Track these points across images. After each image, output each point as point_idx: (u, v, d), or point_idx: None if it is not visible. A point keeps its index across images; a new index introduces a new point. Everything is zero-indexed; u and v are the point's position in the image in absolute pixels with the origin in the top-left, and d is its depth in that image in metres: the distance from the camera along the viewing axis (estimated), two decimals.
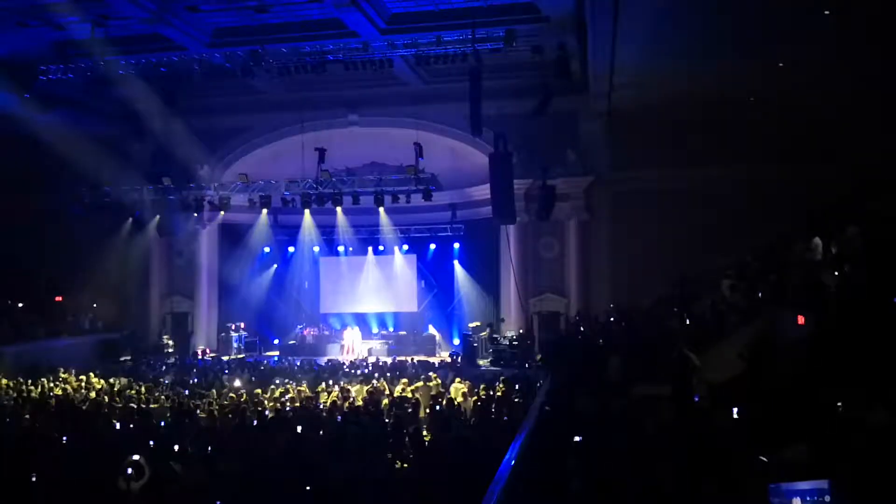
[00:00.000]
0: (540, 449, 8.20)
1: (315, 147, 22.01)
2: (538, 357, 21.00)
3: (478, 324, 24.77)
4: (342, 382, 18.26)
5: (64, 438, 11.63)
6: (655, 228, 22.23)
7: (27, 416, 13.98)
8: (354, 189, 23.15)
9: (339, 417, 13.08)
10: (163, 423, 12.94)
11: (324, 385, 17.81)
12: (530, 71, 20.33)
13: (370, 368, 21.09)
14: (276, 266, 28.75)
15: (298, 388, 16.95)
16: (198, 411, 13.85)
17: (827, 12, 14.07)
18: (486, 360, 23.74)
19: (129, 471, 9.51)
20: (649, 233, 22.31)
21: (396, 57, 20.72)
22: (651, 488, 6.15)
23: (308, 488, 8.82)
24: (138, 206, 24.64)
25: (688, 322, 14.90)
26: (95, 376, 19.17)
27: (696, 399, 9.11)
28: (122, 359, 24.69)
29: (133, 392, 16.88)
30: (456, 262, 27.21)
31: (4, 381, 18.66)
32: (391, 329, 28.68)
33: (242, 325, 27.95)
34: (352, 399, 15.24)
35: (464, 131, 22.16)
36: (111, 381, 18.67)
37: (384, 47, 20.12)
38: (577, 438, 7.54)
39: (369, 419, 12.25)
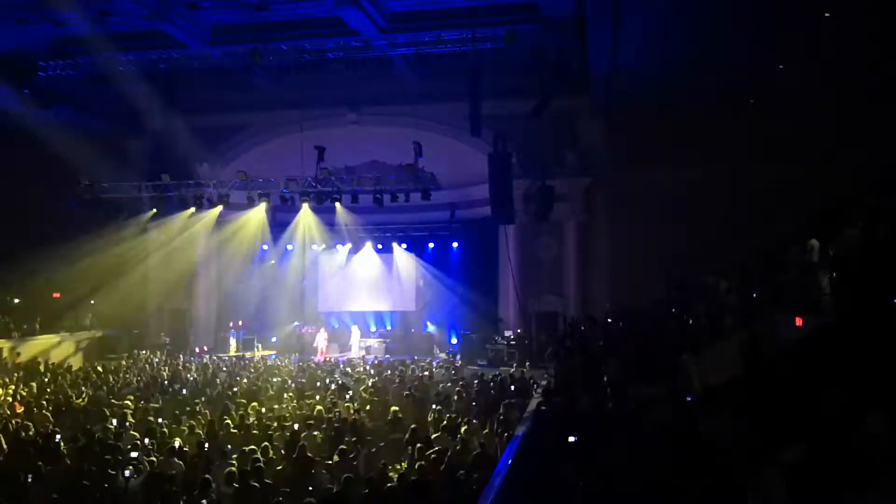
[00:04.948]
0: (537, 449, 8.20)
1: (314, 145, 21.98)
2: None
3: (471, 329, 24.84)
4: (340, 382, 18.24)
5: (58, 437, 11.63)
6: (654, 229, 22.19)
7: (23, 414, 13.97)
8: (353, 187, 23.11)
9: None
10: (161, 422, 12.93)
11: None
12: (530, 71, 20.30)
13: (364, 368, 21.00)
14: (274, 264, 28.72)
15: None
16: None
17: (827, 14, 14.08)
18: (484, 360, 23.75)
19: (129, 469, 9.54)
20: (648, 233, 22.27)
21: (396, 56, 20.71)
22: (649, 488, 6.15)
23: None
24: (137, 202, 24.59)
25: (689, 323, 14.88)
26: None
27: (690, 399, 9.11)
28: (120, 356, 24.64)
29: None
30: (455, 262, 27.21)
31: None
32: (389, 328, 28.68)
33: (241, 322, 27.95)
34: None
35: (463, 131, 22.11)
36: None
37: (384, 46, 20.10)
38: (571, 439, 7.53)
39: None
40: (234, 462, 9.98)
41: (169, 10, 18.37)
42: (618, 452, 7.13)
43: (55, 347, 23.67)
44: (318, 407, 14.23)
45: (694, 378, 10.35)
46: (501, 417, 12.33)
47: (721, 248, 18.67)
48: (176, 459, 10.02)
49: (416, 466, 9.21)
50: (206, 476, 8.99)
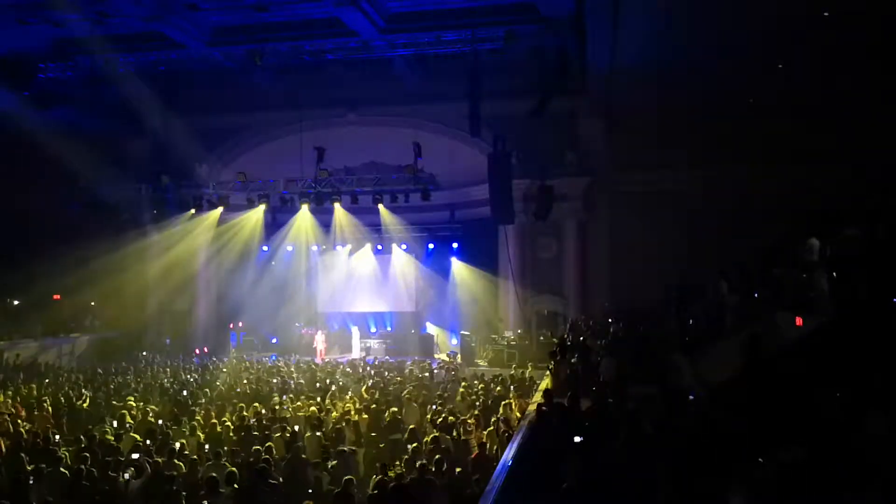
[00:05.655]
0: (537, 449, 8.19)
1: (314, 146, 21.99)
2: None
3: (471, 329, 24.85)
4: (341, 382, 18.25)
5: (58, 438, 11.63)
6: (654, 229, 22.17)
7: (25, 415, 13.96)
8: (353, 188, 23.13)
9: None
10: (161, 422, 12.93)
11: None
12: (530, 71, 20.31)
13: (364, 369, 20.96)
14: (274, 264, 28.71)
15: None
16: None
17: (826, 13, 14.09)
18: (484, 360, 23.74)
19: (129, 470, 9.54)
20: (648, 233, 22.26)
21: (396, 56, 20.72)
22: (649, 488, 6.14)
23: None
24: (137, 204, 24.59)
25: (690, 322, 14.89)
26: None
27: (692, 396, 9.11)
28: (120, 357, 24.60)
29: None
30: (454, 262, 27.19)
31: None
32: (389, 329, 28.67)
33: (241, 323, 27.94)
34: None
35: (463, 131, 22.13)
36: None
37: (384, 46, 20.12)
38: (577, 439, 7.53)
39: None
40: (233, 463, 9.98)
41: (168, 11, 18.38)
42: (618, 452, 7.13)
43: (55, 349, 23.66)
44: (315, 408, 14.23)
45: (693, 377, 10.36)
46: (501, 417, 12.33)
47: (721, 248, 18.66)
48: (176, 461, 10.01)
49: (416, 467, 9.20)
50: (213, 475, 8.97)
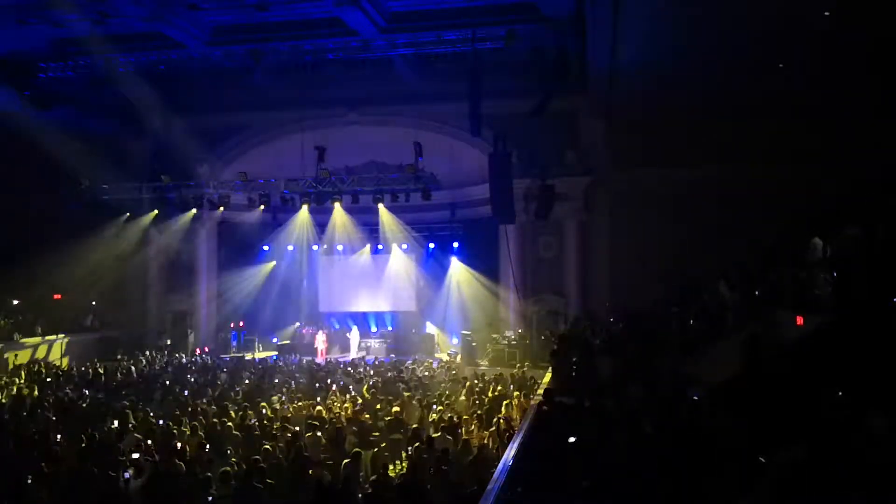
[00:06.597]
0: (537, 449, 8.20)
1: (314, 145, 21.99)
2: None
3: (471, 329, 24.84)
4: (341, 382, 18.25)
5: (59, 437, 11.64)
6: (655, 228, 22.17)
7: (25, 415, 13.98)
8: (354, 188, 23.13)
9: None
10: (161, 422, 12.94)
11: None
12: (530, 71, 20.31)
13: (365, 368, 20.95)
14: (274, 264, 28.72)
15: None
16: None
17: (826, 13, 14.08)
18: (484, 360, 23.73)
19: (130, 469, 9.56)
20: (648, 233, 22.25)
21: (396, 56, 20.70)
22: (649, 488, 6.15)
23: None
24: (138, 203, 24.61)
25: (690, 322, 14.88)
26: None
27: (696, 397, 9.12)
28: (120, 357, 24.62)
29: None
30: (454, 262, 27.18)
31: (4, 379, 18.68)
32: (390, 328, 28.67)
33: (241, 323, 27.95)
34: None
35: (463, 131, 22.13)
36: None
37: (384, 46, 20.10)
38: (571, 439, 7.53)
39: None
40: (234, 462, 9.99)
41: (168, 11, 18.36)
42: (618, 452, 7.13)
43: (56, 349, 23.67)
44: (319, 407, 14.24)
45: (692, 377, 10.36)
46: (503, 417, 12.34)
47: (721, 248, 18.66)
48: (177, 460, 10.02)
49: (416, 466, 9.21)
50: (208, 474, 8.99)
